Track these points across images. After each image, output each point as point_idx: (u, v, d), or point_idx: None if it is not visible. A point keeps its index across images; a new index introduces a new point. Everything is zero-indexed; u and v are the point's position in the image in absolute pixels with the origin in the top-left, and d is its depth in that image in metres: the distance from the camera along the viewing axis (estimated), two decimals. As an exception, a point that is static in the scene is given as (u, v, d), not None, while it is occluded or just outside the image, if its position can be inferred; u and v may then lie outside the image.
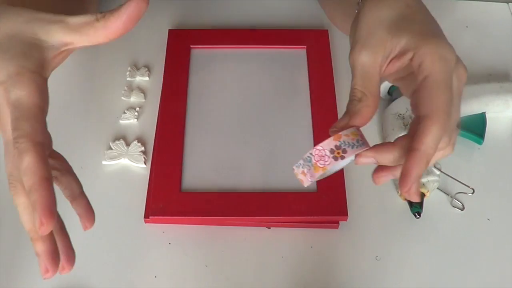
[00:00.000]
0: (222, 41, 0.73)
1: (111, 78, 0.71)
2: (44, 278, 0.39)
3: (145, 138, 0.65)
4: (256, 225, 0.59)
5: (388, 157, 0.41)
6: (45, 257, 0.39)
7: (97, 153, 0.63)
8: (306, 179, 0.41)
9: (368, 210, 0.60)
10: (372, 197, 0.61)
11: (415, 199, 0.42)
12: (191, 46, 0.72)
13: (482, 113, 0.66)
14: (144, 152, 0.63)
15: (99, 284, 0.54)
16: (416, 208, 0.58)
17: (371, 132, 0.65)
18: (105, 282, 0.55)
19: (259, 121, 0.66)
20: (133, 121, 0.67)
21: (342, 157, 0.40)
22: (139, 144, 0.64)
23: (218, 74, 0.70)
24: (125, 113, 0.67)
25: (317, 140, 0.60)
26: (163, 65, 0.70)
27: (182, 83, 0.68)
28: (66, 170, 0.43)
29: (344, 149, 0.40)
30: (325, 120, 0.64)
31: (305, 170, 0.41)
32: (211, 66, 0.71)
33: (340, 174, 0.60)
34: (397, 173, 0.42)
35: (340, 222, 0.58)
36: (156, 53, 0.72)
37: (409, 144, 0.40)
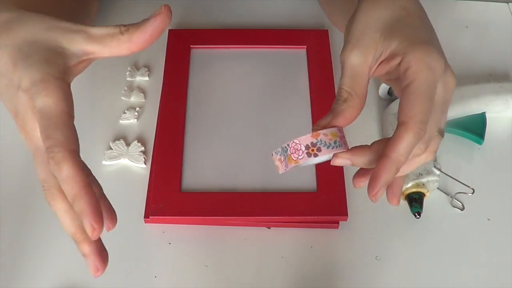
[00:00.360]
0: (222, 41, 0.73)
1: (111, 78, 0.71)
2: (95, 277, 0.40)
3: (145, 138, 0.65)
4: (256, 225, 0.59)
5: (362, 160, 0.42)
6: (94, 257, 0.40)
7: (97, 153, 0.63)
8: (281, 167, 0.42)
9: (368, 210, 0.60)
10: (372, 197, 0.61)
11: (394, 203, 0.44)
12: (191, 46, 0.72)
13: (482, 113, 0.66)
14: (144, 152, 0.64)
15: (99, 284, 0.54)
16: (416, 208, 0.59)
17: (371, 132, 0.65)
18: (105, 282, 0.55)
19: (259, 121, 0.66)
20: (133, 121, 0.67)
21: (316, 155, 0.40)
22: (139, 144, 0.64)
23: (218, 74, 0.70)
24: (125, 113, 0.67)
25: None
26: (163, 65, 0.70)
27: (182, 83, 0.68)
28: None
29: (319, 147, 0.40)
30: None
31: (282, 158, 0.42)
32: (211, 66, 0.71)
33: (340, 174, 0.60)
34: None
35: (340, 222, 0.58)
36: (156, 53, 0.72)
37: (382, 149, 0.40)
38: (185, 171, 0.61)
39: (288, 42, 0.73)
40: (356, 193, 0.60)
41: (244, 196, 0.59)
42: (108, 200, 0.44)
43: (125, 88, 0.69)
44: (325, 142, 0.40)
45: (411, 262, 0.57)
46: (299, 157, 0.40)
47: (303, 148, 0.40)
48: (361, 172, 0.44)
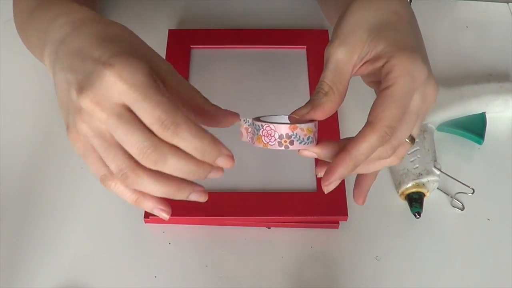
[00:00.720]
0: (222, 41, 0.73)
1: (111, 78, 0.71)
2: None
3: (145, 138, 0.65)
4: (256, 225, 0.59)
5: (328, 154, 0.42)
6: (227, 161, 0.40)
7: (97, 153, 0.63)
8: (246, 137, 0.43)
9: (368, 210, 0.60)
10: (372, 197, 0.61)
11: (359, 202, 0.47)
12: (191, 46, 0.72)
13: (482, 113, 0.66)
14: (144, 152, 0.63)
15: (99, 284, 0.54)
16: (416, 208, 0.59)
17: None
18: (105, 282, 0.55)
19: (259, 121, 0.66)
20: (133, 121, 0.66)
21: (287, 147, 0.41)
22: (139, 144, 0.64)
23: (218, 74, 0.70)
24: (125, 113, 0.67)
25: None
26: (163, 65, 0.70)
27: (182, 83, 0.68)
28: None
29: (292, 141, 0.41)
30: (324, 120, 0.63)
31: (249, 130, 0.42)
32: (211, 66, 0.71)
33: (340, 174, 0.60)
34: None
35: (340, 222, 0.58)
36: (156, 53, 0.72)
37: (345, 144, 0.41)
38: (185, 171, 0.61)
39: (288, 42, 0.73)
40: (356, 193, 0.60)
41: (244, 196, 0.59)
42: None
43: (125, 88, 0.69)
44: (299, 136, 0.41)
45: (411, 262, 0.57)
46: (270, 143, 0.41)
47: (277, 136, 0.41)
48: (323, 162, 0.44)
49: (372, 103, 0.42)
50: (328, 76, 0.43)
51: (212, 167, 0.40)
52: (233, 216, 0.58)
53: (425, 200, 0.59)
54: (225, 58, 0.72)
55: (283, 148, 0.41)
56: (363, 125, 0.41)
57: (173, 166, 0.38)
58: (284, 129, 0.41)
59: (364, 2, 0.44)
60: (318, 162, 0.45)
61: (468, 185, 0.60)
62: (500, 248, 0.58)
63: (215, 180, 0.61)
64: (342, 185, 0.59)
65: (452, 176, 0.61)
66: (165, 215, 0.42)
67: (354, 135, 0.41)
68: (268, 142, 0.41)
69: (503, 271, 0.56)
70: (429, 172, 0.59)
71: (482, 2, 0.81)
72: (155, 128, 0.37)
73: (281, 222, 0.58)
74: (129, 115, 0.38)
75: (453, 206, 0.61)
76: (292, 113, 0.42)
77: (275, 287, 0.55)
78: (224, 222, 0.58)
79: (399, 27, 0.43)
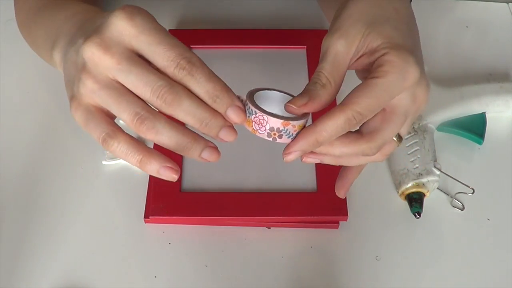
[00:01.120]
0: (222, 41, 0.73)
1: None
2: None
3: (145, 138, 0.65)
4: (256, 225, 0.59)
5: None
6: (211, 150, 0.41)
7: (97, 153, 0.63)
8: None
9: (368, 210, 0.60)
10: (372, 197, 0.61)
11: (340, 194, 0.48)
12: (191, 46, 0.72)
13: (482, 113, 0.66)
14: (144, 152, 0.63)
15: (99, 284, 0.54)
16: (416, 208, 0.58)
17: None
18: (105, 282, 0.55)
19: (259, 121, 0.65)
20: (133, 121, 0.66)
21: (274, 139, 0.41)
22: (139, 144, 0.64)
23: (218, 74, 0.70)
24: (125, 113, 0.67)
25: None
26: (163, 65, 0.70)
27: (182, 83, 0.68)
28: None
29: (281, 135, 0.41)
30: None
31: (245, 109, 0.42)
32: (211, 66, 0.70)
33: (340, 174, 0.60)
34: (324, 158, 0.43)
35: (340, 222, 0.58)
36: (156, 53, 0.72)
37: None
38: (185, 171, 0.61)
39: (288, 42, 0.73)
40: (356, 193, 0.60)
41: (244, 196, 0.59)
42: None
43: (125, 88, 0.69)
44: (290, 132, 0.41)
45: (411, 262, 0.57)
46: (259, 131, 0.41)
47: (267, 128, 0.41)
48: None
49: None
50: (326, 68, 0.43)
51: (224, 121, 0.40)
52: (233, 216, 0.58)
53: (425, 200, 0.59)
54: (225, 58, 0.72)
55: (270, 139, 0.41)
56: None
57: (188, 108, 0.38)
58: (277, 123, 0.40)
59: None
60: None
61: (468, 185, 0.60)
62: (500, 248, 0.58)
63: (215, 180, 0.61)
64: (342, 185, 0.59)
65: (452, 176, 0.61)
66: (174, 175, 0.40)
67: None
68: (257, 130, 0.41)
69: (503, 271, 0.56)
70: (429, 172, 0.59)
71: (482, 2, 0.81)
72: (170, 69, 0.38)
73: (281, 222, 0.58)
74: (140, 59, 0.38)
75: (453, 206, 0.61)
76: (288, 101, 0.42)
77: (275, 287, 0.55)
78: (224, 222, 0.58)
79: (398, 26, 0.43)
